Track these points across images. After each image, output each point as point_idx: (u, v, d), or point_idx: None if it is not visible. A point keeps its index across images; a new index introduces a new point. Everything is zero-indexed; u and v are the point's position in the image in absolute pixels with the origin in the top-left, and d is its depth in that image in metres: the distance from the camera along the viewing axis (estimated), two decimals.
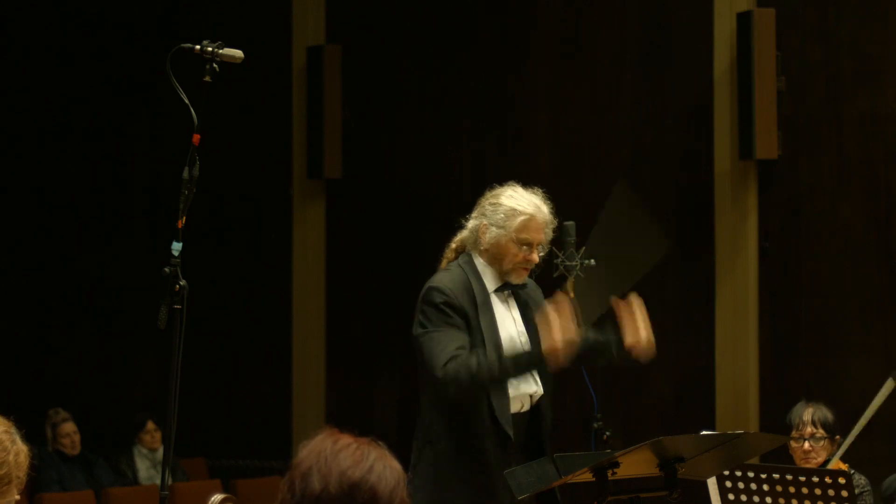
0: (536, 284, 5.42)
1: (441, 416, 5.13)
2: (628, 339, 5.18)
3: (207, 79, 4.56)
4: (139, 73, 11.80)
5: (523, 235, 5.18)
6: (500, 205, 5.22)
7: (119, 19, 12.20)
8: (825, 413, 6.19)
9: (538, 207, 5.23)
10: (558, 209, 5.66)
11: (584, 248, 7.36)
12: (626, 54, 10.00)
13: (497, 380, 5.03)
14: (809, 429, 6.15)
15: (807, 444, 6.13)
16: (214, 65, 4.57)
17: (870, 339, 8.95)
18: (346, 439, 2.71)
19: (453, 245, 5.39)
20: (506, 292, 5.26)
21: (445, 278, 5.21)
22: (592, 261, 7.38)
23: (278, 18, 11.50)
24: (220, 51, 4.59)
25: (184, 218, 4.50)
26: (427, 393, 5.18)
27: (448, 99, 10.82)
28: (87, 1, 12.33)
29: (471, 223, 5.30)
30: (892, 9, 8.97)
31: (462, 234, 5.36)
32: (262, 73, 11.02)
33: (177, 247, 4.51)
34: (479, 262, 5.25)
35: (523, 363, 5.07)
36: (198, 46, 4.58)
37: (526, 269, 5.24)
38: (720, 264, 9.48)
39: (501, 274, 5.23)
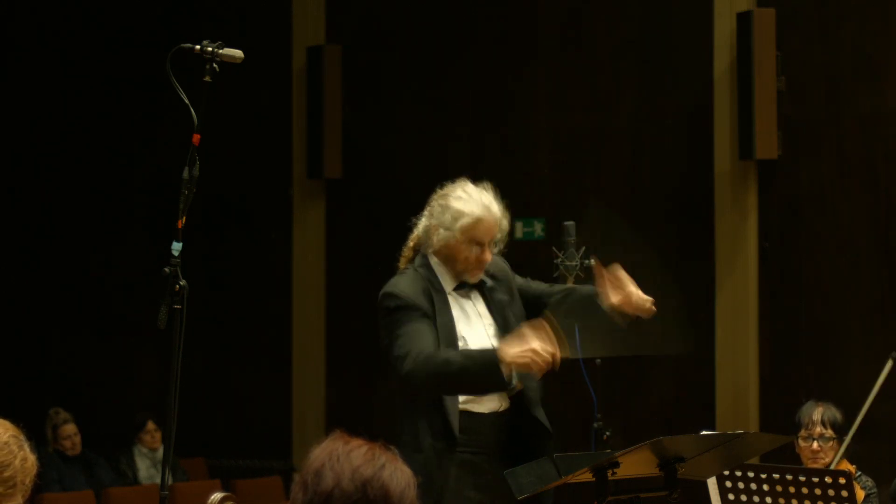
0: (499, 262, 5.32)
1: (399, 418, 5.13)
2: (612, 299, 5.05)
3: (207, 79, 4.55)
4: (139, 73, 11.79)
5: (471, 236, 5.10)
6: (448, 207, 5.15)
7: (119, 19, 12.20)
8: (834, 413, 6.19)
9: (486, 208, 5.13)
10: (558, 209, 5.65)
11: (583, 248, 7.35)
12: (626, 54, 10.00)
13: (458, 377, 4.91)
14: (818, 429, 6.15)
15: (815, 444, 6.13)
16: (214, 65, 4.57)
17: (870, 338, 8.94)
18: (357, 441, 2.72)
19: (410, 244, 5.32)
20: (466, 289, 5.22)
21: (401, 282, 5.17)
22: (592, 261, 7.37)
23: (278, 18, 11.50)
24: (220, 51, 4.59)
25: (184, 218, 4.49)
26: (396, 399, 5.16)
27: (448, 99, 10.82)
28: (87, 1, 12.33)
29: (422, 222, 5.26)
30: (892, 9, 8.97)
31: (417, 234, 5.30)
32: (262, 73, 11.02)
33: (177, 247, 4.50)
34: (434, 262, 5.20)
35: (478, 363, 4.89)
36: (198, 46, 4.58)
37: (479, 268, 5.18)
38: (720, 264, 9.48)
39: (456, 273, 5.19)
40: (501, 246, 5.24)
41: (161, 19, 11.98)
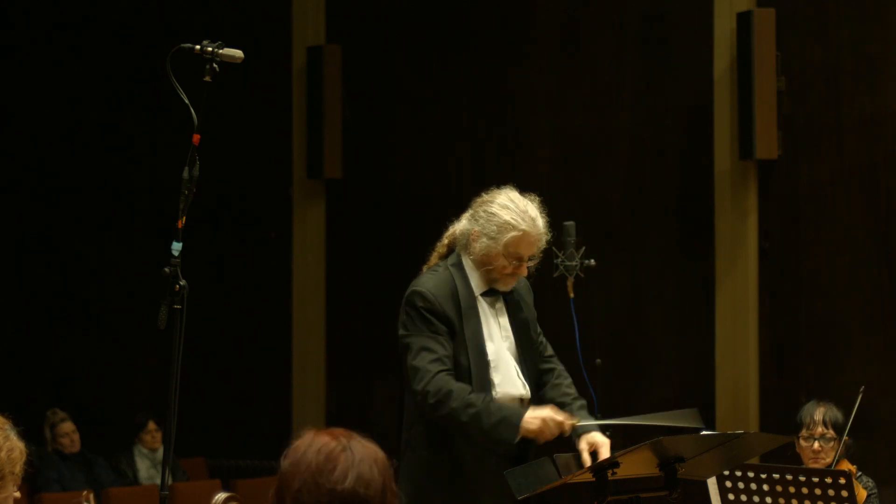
0: (528, 285, 5.36)
1: (421, 421, 5.08)
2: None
3: (207, 79, 4.56)
4: (139, 73, 11.80)
5: (514, 250, 5.04)
6: (494, 215, 5.07)
7: (119, 19, 12.21)
8: (836, 413, 6.19)
9: (533, 222, 5.07)
10: (558, 209, 5.64)
11: (584, 248, 7.36)
12: (626, 54, 10.00)
13: (469, 428, 4.92)
14: (820, 429, 6.15)
15: (816, 444, 6.13)
16: (214, 65, 4.57)
17: (870, 338, 8.95)
18: (326, 443, 2.70)
19: (445, 241, 5.27)
20: (494, 296, 5.18)
21: (430, 282, 5.11)
22: (592, 261, 7.38)
23: (278, 18, 11.50)
24: (220, 51, 4.59)
25: (184, 218, 4.50)
26: (410, 396, 5.12)
27: (448, 99, 10.82)
28: (87, 1, 12.33)
29: (463, 223, 5.18)
30: (892, 9, 8.97)
31: (454, 231, 5.24)
32: (262, 73, 11.02)
33: (177, 247, 4.51)
34: (468, 264, 5.14)
35: (497, 429, 4.92)
36: (198, 46, 4.58)
37: (513, 280, 5.13)
38: (720, 264, 9.48)
39: (489, 280, 5.15)
40: (538, 260, 5.20)
41: (161, 19, 11.98)
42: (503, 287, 5.15)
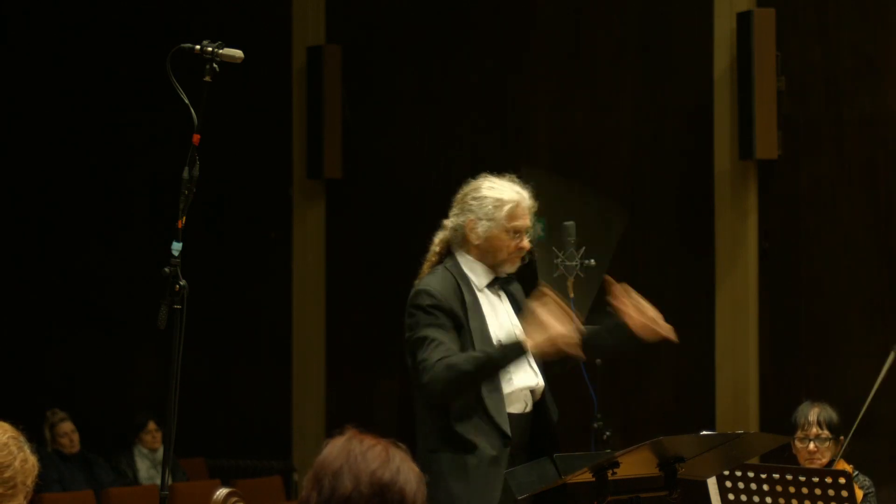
0: (516, 280, 5.42)
1: (435, 423, 5.10)
2: (632, 323, 5.13)
3: (207, 79, 4.56)
4: (139, 73, 11.80)
5: (514, 223, 5.18)
6: (485, 197, 5.19)
7: (119, 19, 12.21)
8: (830, 413, 6.19)
9: (520, 193, 5.24)
10: (558, 209, 5.66)
11: (583, 248, 7.36)
12: (626, 54, 10.00)
13: (480, 370, 4.98)
14: (815, 429, 6.15)
15: (812, 445, 6.13)
16: (214, 65, 4.57)
17: (870, 338, 8.95)
18: (371, 440, 2.74)
19: (437, 249, 5.33)
20: (496, 286, 5.25)
21: (433, 281, 5.17)
22: (592, 261, 7.39)
23: (278, 18, 11.50)
24: (220, 51, 4.59)
25: (184, 218, 4.50)
26: (421, 400, 5.15)
27: (448, 99, 10.82)
28: (87, 1, 12.34)
29: (452, 221, 5.25)
30: (892, 9, 8.97)
31: (443, 235, 5.30)
32: (262, 73, 11.01)
33: (177, 247, 4.51)
34: (467, 260, 5.21)
35: (505, 353, 5.01)
36: (198, 46, 4.58)
37: (519, 256, 5.25)
38: (720, 264, 9.48)
39: (494, 266, 5.21)
40: (530, 234, 5.29)
41: (161, 19, 11.98)
42: (510, 268, 5.25)
